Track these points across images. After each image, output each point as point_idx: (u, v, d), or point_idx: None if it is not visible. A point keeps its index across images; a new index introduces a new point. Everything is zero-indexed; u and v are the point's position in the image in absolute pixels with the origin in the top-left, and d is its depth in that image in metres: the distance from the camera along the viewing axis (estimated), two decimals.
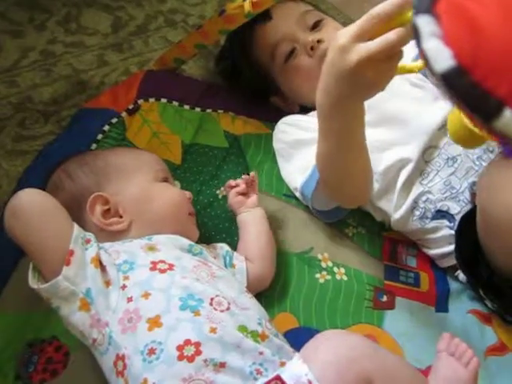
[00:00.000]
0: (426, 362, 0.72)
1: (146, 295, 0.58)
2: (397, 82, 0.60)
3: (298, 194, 0.88)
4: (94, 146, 0.89)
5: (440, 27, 0.37)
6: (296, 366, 0.54)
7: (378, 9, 0.53)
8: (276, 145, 0.93)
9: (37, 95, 1.01)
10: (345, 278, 0.81)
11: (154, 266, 0.62)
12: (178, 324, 0.56)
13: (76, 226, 0.62)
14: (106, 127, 0.92)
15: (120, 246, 0.65)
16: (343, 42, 0.56)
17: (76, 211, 0.67)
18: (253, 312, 0.62)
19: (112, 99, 0.97)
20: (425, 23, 0.38)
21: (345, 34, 0.56)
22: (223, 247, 0.77)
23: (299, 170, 0.85)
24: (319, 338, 0.58)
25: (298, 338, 0.73)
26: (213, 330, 0.56)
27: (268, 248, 0.78)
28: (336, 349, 0.55)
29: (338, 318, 0.76)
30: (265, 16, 0.93)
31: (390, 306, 0.79)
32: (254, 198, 0.81)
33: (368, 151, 0.71)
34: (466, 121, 0.49)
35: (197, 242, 0.76)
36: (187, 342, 0.54)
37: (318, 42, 0.89)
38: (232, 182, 0.82)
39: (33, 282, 0.60)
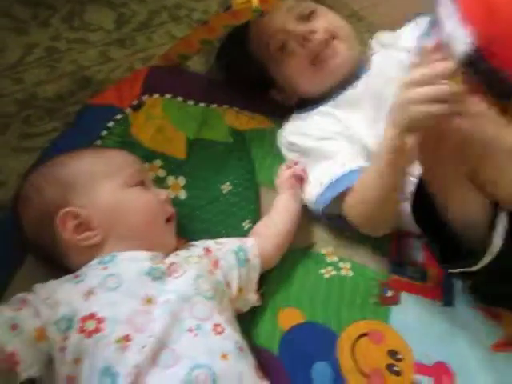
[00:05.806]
0: (433, 357, 0.72)
1: (77, 361, 0.55)
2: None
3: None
4: (98, 142, 0.89)
5: (459, 12, 0.39)
6: None
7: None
8: (288, 155, 0.93)
9: (41, 92, 1.01)
10: (350, 273, 0.81)
11: (82, 326, 0.56)
12: None
13: None
14: (111, 123, 0.92)
15: (60, 288, 0.60)
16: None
17: (48, 226, 0.65)
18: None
19: (116, 95, 0.96)
20: (444, 10, 0.41)
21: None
22: (234, 242, 0.75)
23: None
24: None
25: (303, 333, 0.73)
26: None
27: (287, 238, 0.80)
28: None
29: (344, 314, 0.76)
30: None
31: (396, 300, 0.78)
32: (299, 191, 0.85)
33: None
34: None
35: (202, 239, 0.76)
36: None
37: (311, 32, 0.89)
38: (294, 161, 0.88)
39: None
